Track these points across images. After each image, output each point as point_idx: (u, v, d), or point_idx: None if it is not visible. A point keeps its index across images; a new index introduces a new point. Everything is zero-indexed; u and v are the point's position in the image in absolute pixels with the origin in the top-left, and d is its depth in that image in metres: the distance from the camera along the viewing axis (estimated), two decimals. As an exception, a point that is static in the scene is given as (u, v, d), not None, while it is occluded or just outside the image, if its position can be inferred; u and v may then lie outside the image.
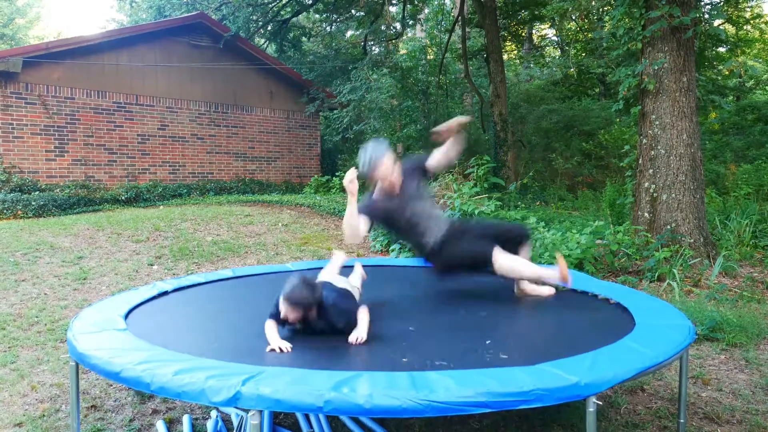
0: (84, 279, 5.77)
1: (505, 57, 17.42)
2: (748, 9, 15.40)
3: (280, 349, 2.50)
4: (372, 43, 16.90)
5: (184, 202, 10.74)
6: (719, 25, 13.03)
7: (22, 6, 27.17)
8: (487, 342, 2.61)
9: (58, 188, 10.23)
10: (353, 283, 3.24)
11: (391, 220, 3.33)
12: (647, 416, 3.01)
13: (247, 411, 1.99)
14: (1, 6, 25.33)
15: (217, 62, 12.53)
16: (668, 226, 6.15)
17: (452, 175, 8.43)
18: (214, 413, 2.94)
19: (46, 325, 4.55)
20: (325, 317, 2.68)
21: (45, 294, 5.32)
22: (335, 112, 14.08)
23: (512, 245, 3.38)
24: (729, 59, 14.58)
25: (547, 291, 3.48)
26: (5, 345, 4.13)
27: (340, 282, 3.05)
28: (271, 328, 2.63)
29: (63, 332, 4.36)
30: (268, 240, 7.50)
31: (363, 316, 2.68)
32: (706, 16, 8.30)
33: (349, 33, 19.74)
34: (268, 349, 2.52)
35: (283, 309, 2.61)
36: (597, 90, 18.53)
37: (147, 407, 3.15)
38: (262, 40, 16.81)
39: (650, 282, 5.47)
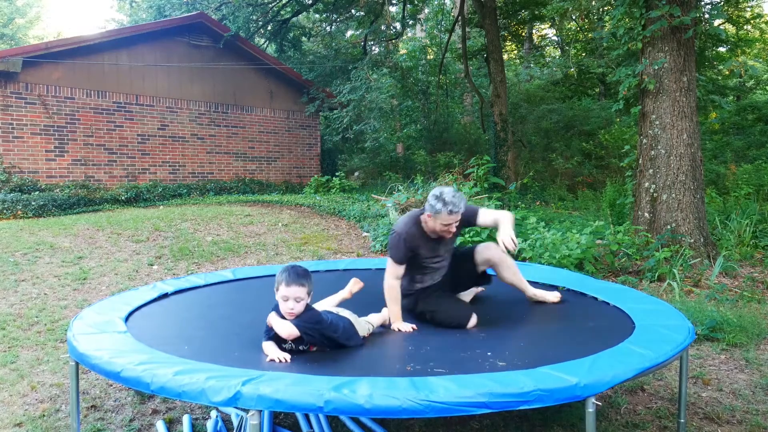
0: (84, 279, 5.77)
1: (505, 57, 17.43)
2: (748, 9, 15.40)
3: (279, 359, 2.50)
4: (372, 43, 16.89)
5: (184, 202, 10.74)
6: (719, 24, 13.03)
7: (22, 6, 27.17)
8: (488, 354, 2.61)
9: (58, 188, 10.23)
10: (370, 320, 3.02)
11: (415, 257, 3.26)
12: (647, 416, 3.01)
13: (246, 411, 1.99)
14: (1, 6, 25.33)
15: (217, 62, 12.53)
16: (668, 226, 6.15)
17: (452, 175, 8.43)
18: (214, 413, 2.94)
19: (46, 325, 4.54)
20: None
21: (45, 294, 5.32)
22: (335, 112, 14.08)
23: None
24: (729, 59, 14.59)
25: (553, 297, 3.50)
26: (5, 345, 4.13)
27: (344, 312, 2.88)
28: (268, 345, 2.61)
29: (63, 332, 4.36)
30: (268, 240, 7.50)
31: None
32: (707, 15, 8.30)
33: (349, 33, 19.74)
34: (267, 359, 2.51)
35: (283, 291, 2.56)
36: (597, 90, 18.55)
37: (147, 407, 3.15)
38: (262, 40, 16.80)
39: (650, 282, 5.47)
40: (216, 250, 6.92)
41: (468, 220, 3.30)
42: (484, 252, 3.37)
